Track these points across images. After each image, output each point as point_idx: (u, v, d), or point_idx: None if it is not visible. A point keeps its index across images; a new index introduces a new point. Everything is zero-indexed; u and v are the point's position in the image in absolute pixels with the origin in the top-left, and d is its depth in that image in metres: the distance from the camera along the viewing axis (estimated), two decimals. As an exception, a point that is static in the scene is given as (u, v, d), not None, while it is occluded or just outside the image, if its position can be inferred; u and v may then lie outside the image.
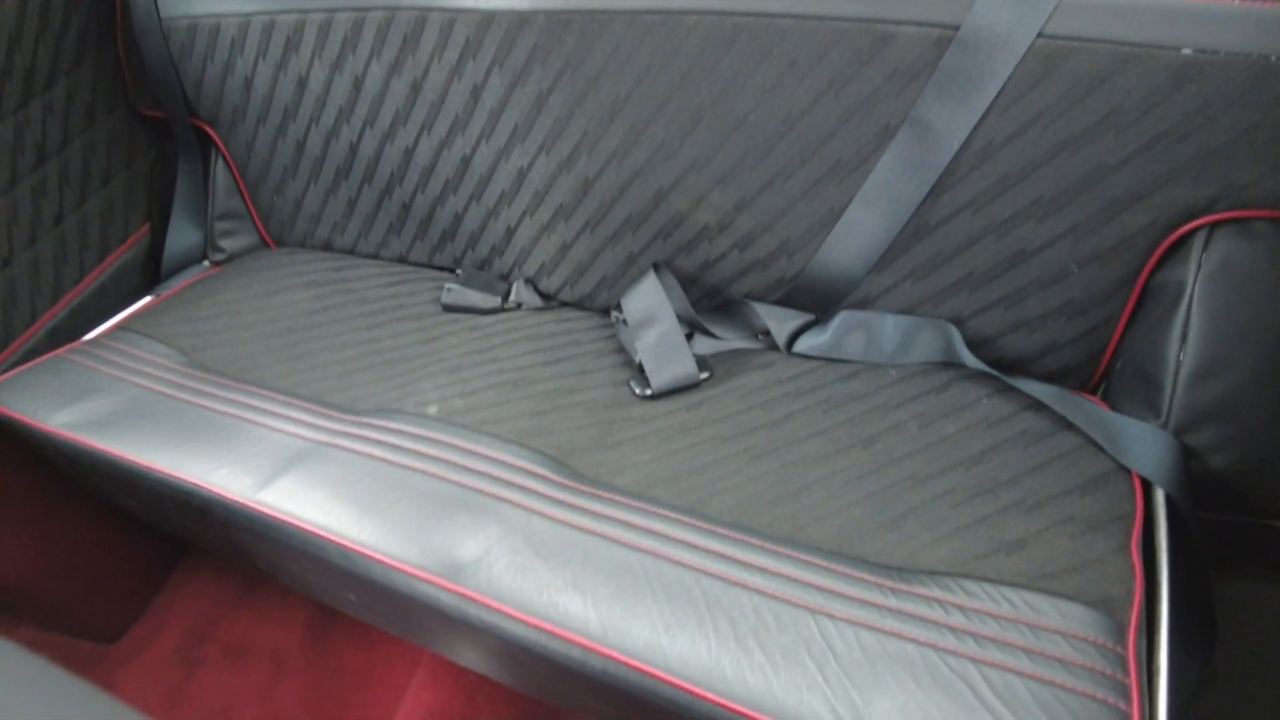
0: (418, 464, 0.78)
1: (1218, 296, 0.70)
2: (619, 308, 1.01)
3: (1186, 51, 0.65)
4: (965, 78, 0.72)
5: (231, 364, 0.99)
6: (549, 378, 0.91)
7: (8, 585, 1.10)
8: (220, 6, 1.04)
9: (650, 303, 0.92)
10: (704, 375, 0.88)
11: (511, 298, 1.06)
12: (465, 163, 1.01)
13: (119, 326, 1.09)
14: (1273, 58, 0.63)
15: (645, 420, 0.85)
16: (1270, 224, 0.69)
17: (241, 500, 0.77)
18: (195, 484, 0.80)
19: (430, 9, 0.92)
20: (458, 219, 1.07)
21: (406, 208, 1.10)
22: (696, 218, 0.90)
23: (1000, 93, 0.72)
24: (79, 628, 1.21)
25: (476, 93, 0.94)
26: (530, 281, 1.06)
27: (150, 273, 1.28)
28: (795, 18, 0.76)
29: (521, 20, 0.87)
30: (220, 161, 1.20)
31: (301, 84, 1.05)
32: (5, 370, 1.10)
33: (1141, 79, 0.67)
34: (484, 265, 1.10)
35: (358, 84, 1.01)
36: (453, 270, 1.14)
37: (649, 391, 0.87)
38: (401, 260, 1.17)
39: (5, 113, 1.06)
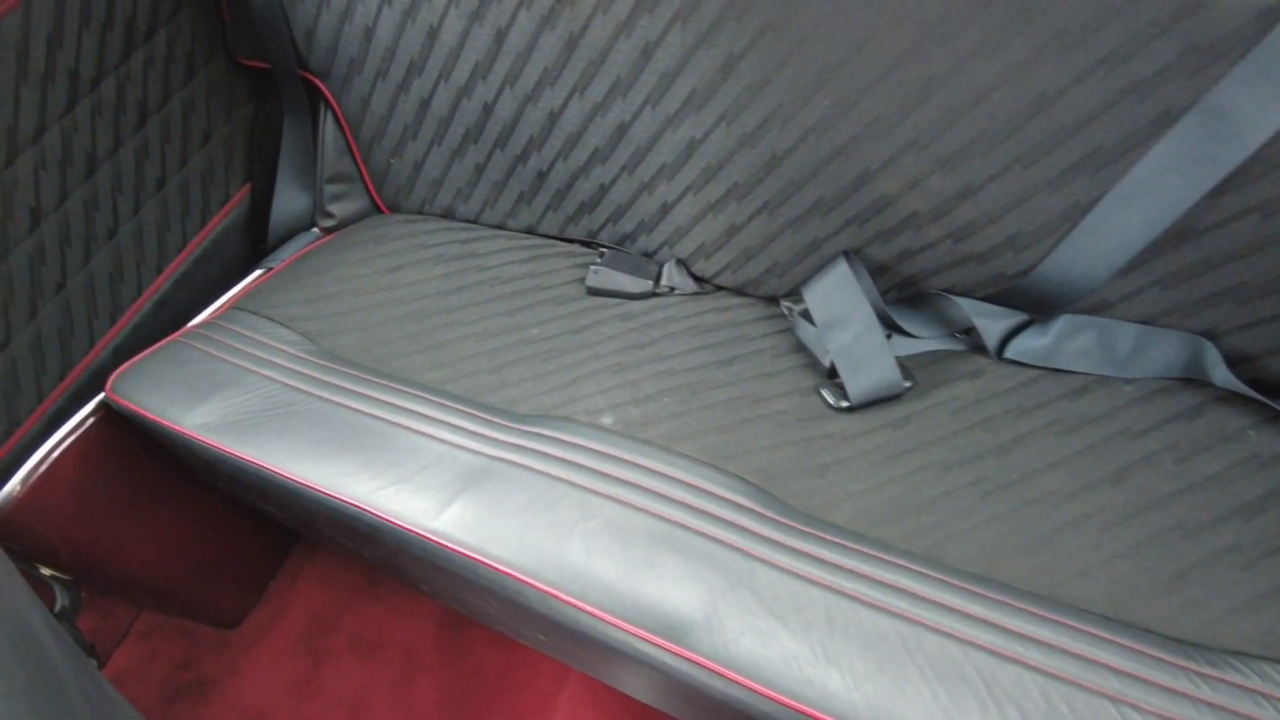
0: (608, 489, 0.70)
1: None
2: (791, 297, 0.91)
3: None
4: None
5: (366, 352, 0.91)
6: (727, 382, 0.82)
7: (126, 574, 1.05)
8: None
9: (844, 298, 0.82)
10: (908, 384, 0.79)
11: (663, 281, 0.96)
12: (621, 130, 0.89)
13: (234, 306, 1.01)
14: None
15: (848, 439, 0.76)
16: None
17: (418, 530, 0.70)
18: (362, 508, 0.73)
19: None
20: (602, 190, 0.96)
21: (543, 176, 0.99)
22: (906, 203, 0.79)
23: None
24: (197, 613, 1.17)
25: (648, 52, 0.82)
26: (682, 263, 0.96)
27: (252, 237, 1.19)
28: None
29: None
30: (330, 118, 1.09)
31: (432, 35, 0.93)
32: (118, 350, 1.04)
33: None
34: (624, 241, 0.99)
35: (500, 37, 0.89)
36: (587, 244, 1.04)
37: (846, 403, 0.78)
38: (530, 232, 1.07)
39: (109, 68, 0.95)
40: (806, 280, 0.86)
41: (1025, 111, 0.69)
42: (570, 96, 0.90)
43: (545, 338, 0.91)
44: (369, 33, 0.96)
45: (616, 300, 0.95)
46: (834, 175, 0.80)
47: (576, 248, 1.04)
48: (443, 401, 0.83)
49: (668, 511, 0.68)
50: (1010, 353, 0.81)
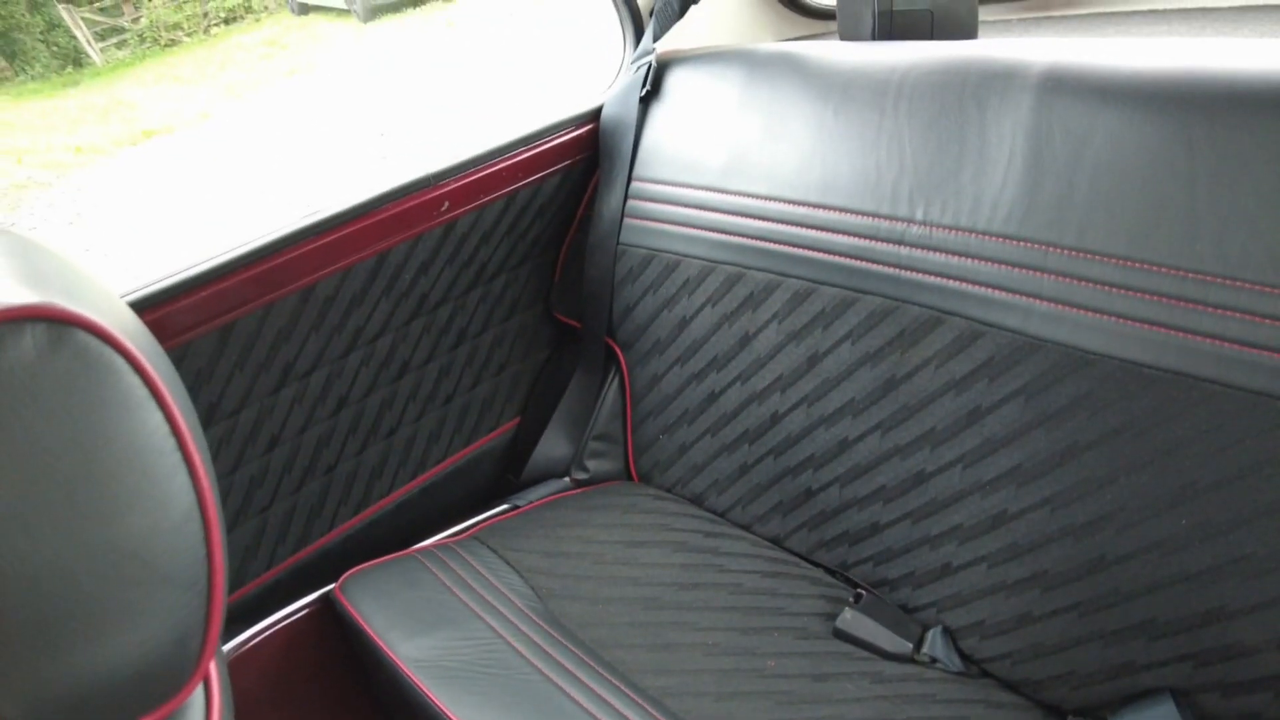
0: None
1: None
2: (1084, 716, 0.77)
3: None
4: None
5: (589, 629, 0.86)
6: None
7: None
8: (686, 247, 1.01)
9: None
10: None
11: (925, 648, 0.85)
12: (920, 479, 0.84)
13: (474, 536, 1.02)
14: None
15: None
16: None
17: None
18: None
19: (953, 314, 0.80)
20: (875, 529, 0.90)
21: (810, 494, 0.95)
22: (1267, 661, 0.65)
23: None
24: None
25: (976, 415, 0.79)
26: (949, 634, 0.85)
27: (504, 466, 1.23)
28: None
29: (1081, 360, 0.71)
30: (617, 383, 1.14)
31: (744, 340, 0.96)
32: (349, 538, 1.06)
33: None
34: (882, 585, 0.91)
35: (814, 360, 0.91)
36: (833, 572, 0.96)
37: None
38: (775, 542, 1.01)
39: (451, 297, 1.07)
40: (1115, 707, 0.73)
41: None
42: (870, 431, 0.88)
43: (782, 675, 0.82)
44: (684, 322, 1.02)
45: (865, 654, 0.85)
46: (1177, 600, 0.69)
47: (823, 574, 0.96)
48: (653, 713, 0.74)
49: None
50: None
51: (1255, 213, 0.63)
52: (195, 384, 0.89)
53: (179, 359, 0.86)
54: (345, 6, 10.04)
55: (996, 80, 0.77)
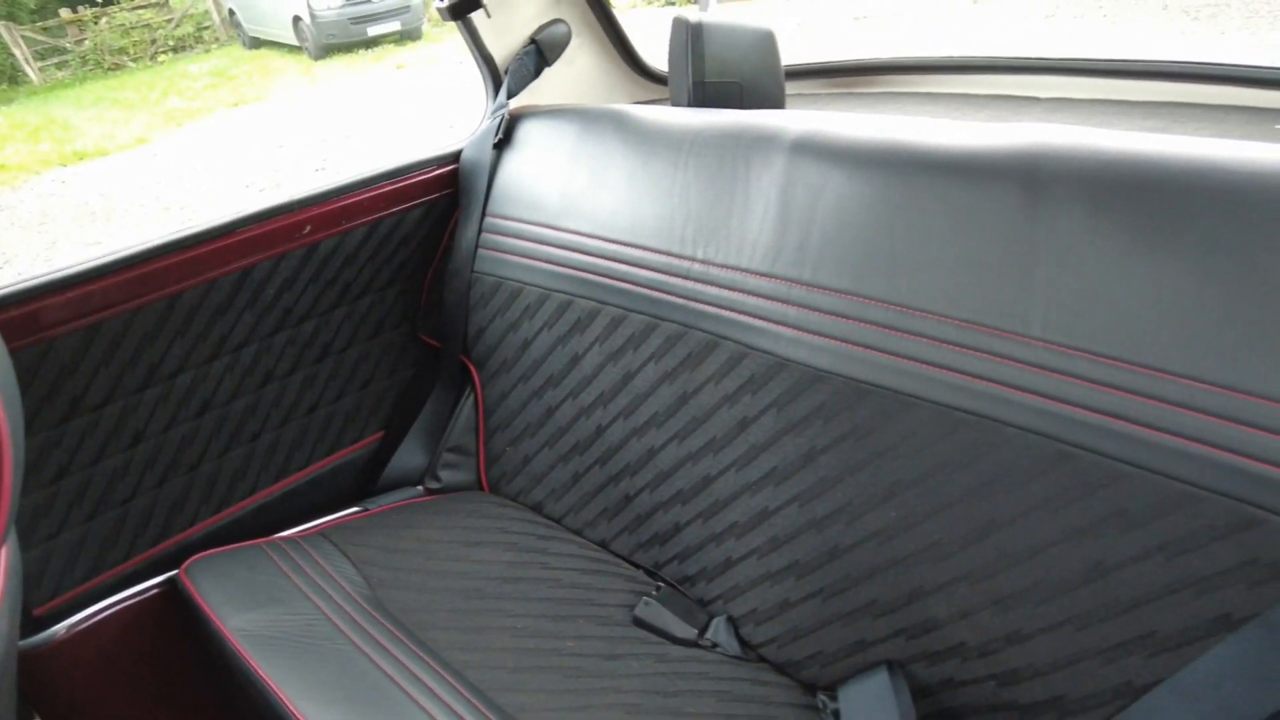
0: None
1: None
2: (829, 692, 0.88)
3: None
4: None
5: (412, 614, 0.95)
6: (738, 761, 0.78)
7: None
8: (527, 276, 1.13)
9: (874, 709, 0.79)
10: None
11: (709, 634, 0.96)
12: (706, 481, 0.96)
13: (320, 533, 1.10)
14: None
15: None
16: None
17: None
18: None
19: (724, 338, 0.93)
20: (676, 529, 1.01)
21: (629, 499, 1.06)
22: (954, 631, 0.78)
23: None
24: None
25: (744, 425, 0.92)
26: (733, 623, 0.96)
27: (367, 477, 1.31)
28: (1138, 467, 0.68)
29: (816, 377, 0.85)
30: (471, 400, 1.25)
31: (574, 360, 1.08)
32: (210, 536, 1.13)
33: None
34: (685, 582, 1.02)
35: (628, 378, 1.03)
36: (649, 572, 1.07)
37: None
38: (602, 545, 1.12)
39: (316, 313, 1.17)
40: (846, 680, 0.84)
41: (1083, 575, 0.70)
42: (671, 440, 1.00)
43: (578, 654, 0.92)
44: (527, 344, 1.14)
45: (657, 640, 0.96)
46: (890, 583, 0.82)
47: (640, 573, 1.07)
48: (456, 686, 0.83)
49: None
50: (1048, 835, 0.73)
51: (936, 257, 0.78)
52: (60, 377, 0.96)
53: (43, 353, 0.94)
54: (297, 43, 10.16)
55: (760, 143, 0.92)
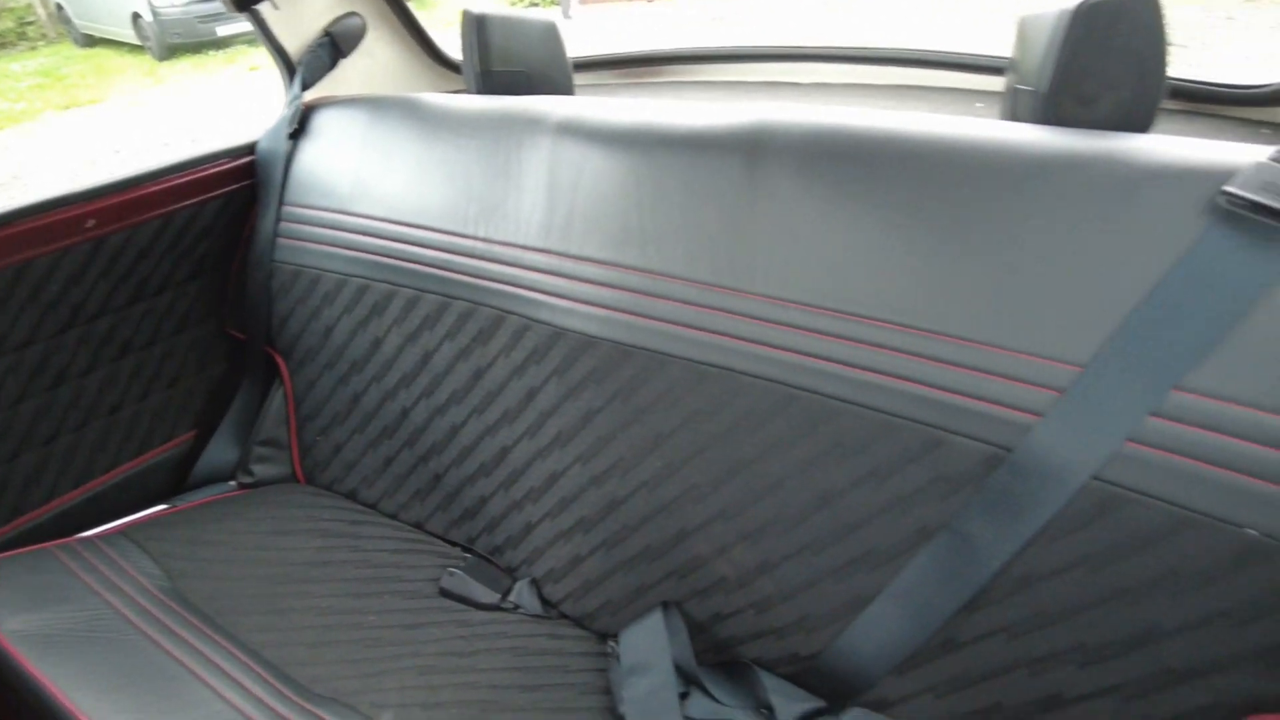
0: None
1: None
2: (618, 639, 0.94)
3: (1251, 532, 0.62)
4: (1013, 500, 0.69)
5: (211, 602, 0.94)
6: (523, 707, 0.83)
7: None
8: (325, 263, 1.14)
9: (649, 647, 0.85)
10: (690, 748, 0.79)
11: (511, 596, 1.00)
12: (504, 452, 1.01)
13: (121, 531, 1.07)
14: None
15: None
16: None
17: None
18: None
19: (510, 313, 0.97)
20: (482, 501, 1.05)
21: (438, 478, 1.09)
22: (716, 567, 0.86)
23: (1048, 524, 0.68)
24: None
25: (531, 394, 0.96)
26: (535, 584, 1.01)
27: (179, 478, 1.28)
28: (848, 402, 0.76)
29: (587, 343, 0.91)
30: (280, 392, 1.24)
31: (375, 344, 1.10)
32: (4, 546, 1.08)
33: (1203, 547, 0.63)
34: (495, 552, 1.06)
35: (426, 358, 1.06)
36: (465, 547, 1.10)
37: (625, 754, 0.78)
38: (417, 526, 1.14)
39: (111, 309, 1.14)
40: (629, 624, 0.91)
41: (813, 503, 0.79)
42: (470, 416, 1.03)
43: (380, 626, 0.94)
44: (329, 331, 1.15)
45: (462, 607, 0.99)
46: (660, 527, 0.88)
47: (456, 550, 1.10)
48: (249, 663, 0.84)
49: None
50: (802, 738, 0.81)
51: (677, 225, 0.85)
52: None
53: None
54: (139, 41, 9.50)
55: (529, 126, 0.97)
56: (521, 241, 0.96)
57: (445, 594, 1.01)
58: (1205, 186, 0.64)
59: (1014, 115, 0.84)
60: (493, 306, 0.99)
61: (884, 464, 0.75)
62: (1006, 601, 0.71)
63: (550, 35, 1.16)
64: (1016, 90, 0.84)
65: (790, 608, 0.82)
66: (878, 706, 0.80)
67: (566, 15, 8.68)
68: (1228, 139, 0.72)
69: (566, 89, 1.19)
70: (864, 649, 0.78)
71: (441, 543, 1.11)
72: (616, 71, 1.41)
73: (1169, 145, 0.69)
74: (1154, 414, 0.65)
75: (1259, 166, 0.63)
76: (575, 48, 1.22)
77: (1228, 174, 0.64)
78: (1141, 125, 0.76)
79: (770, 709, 0.85)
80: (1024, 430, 0.69)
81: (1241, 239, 0.62)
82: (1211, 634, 0.64)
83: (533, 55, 1.15)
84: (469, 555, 1.07)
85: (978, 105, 1.05)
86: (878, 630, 0.78)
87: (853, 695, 0.80)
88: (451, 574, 1.01)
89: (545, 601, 1.01)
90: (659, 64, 1.37)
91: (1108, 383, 0.66)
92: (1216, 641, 0.63)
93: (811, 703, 0.82)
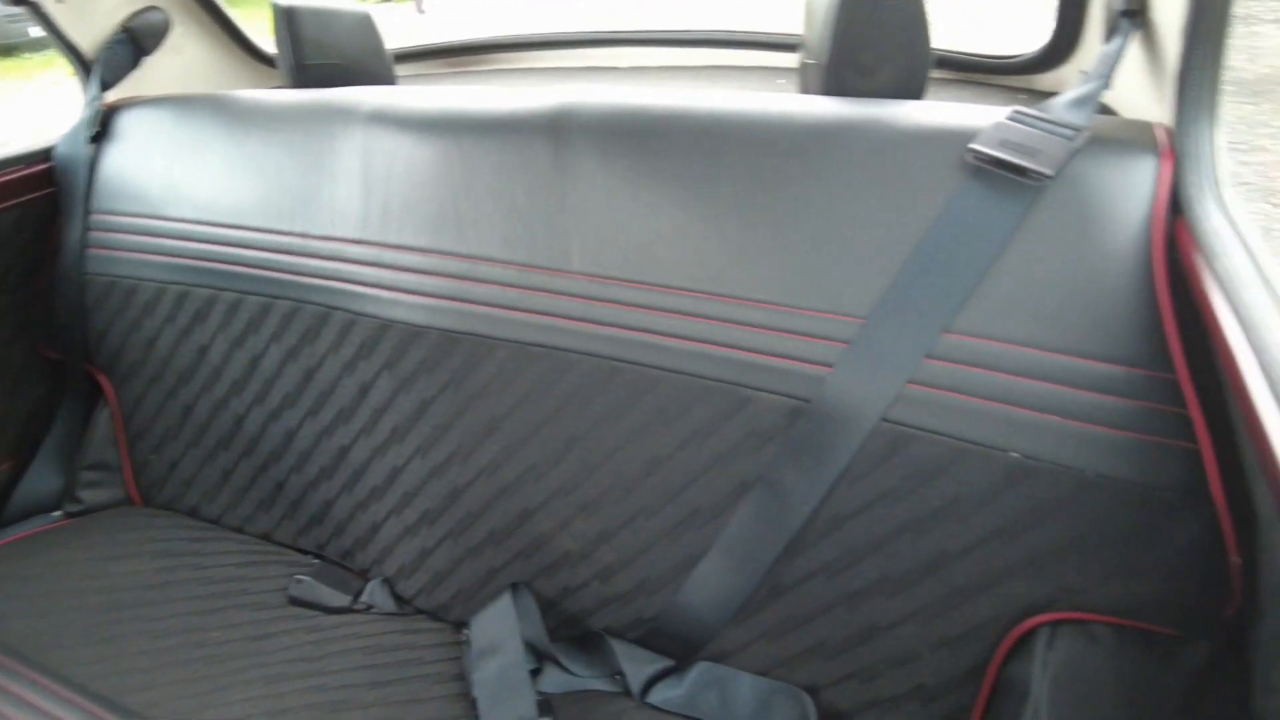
0: None
1: (1065, 700, 0.68)
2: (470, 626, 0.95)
3: (1015, 455, 0.69)
4: (815, 448, 0.75)
5: (32, 640, 0.89)
6: (371, 703, 0.83)
7: None
8: (141, 272, 1.08)
9: (498, 628, 0.86)
10: (543, 721, 0.81)
11: (363, 598, 0.99)
12: (343, 452, 0.99)
13: (-73, 576, 0.99)
14: (1088, 473, 0.66)
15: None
16: (1110, 629, 0.68)
17: None
18: None
19: (335, 308, 0.96)
20: (327, 505, 1.03)
21: (280, 486, 1.06)
22: (559, 542, 0.88)
23: (848, 467, 0.74)
24: None
25: (364, 390, 0.95)
26: (388, 582, 1.00)
27: (-4, 514, 1.19)
28: (667, 370, 0.80)
29: (415, 333, 0.90)
30: (106, 412, 1.17)
31: (201, 353, 1.06)
32: None
33: (978, 474, 0.70)
34: (346, 556, 1.04)
35: (255, 362, 1.02)
36: (315, 555, 1.08)
37: (476, 737, 0.79)
38: (265, 538, 1.11)
39: None
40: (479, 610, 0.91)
41: (643, 470, 0.82)
42: (305, 419, 1.01)
43: (224, 641, 0.91)
44: (151, 343, 1.09)
45: (311, 613, 0.97)
46: (503, 510, 0.90)
47: (306, 558, 1.08)
48: (74, 698, 0.80)
49: None
50: (652, 698, 0.84)
51: (491, 209, 0.86)
52: None
53: None
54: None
55: (340, 117, 0.96)
56: (340, 234, 0.94)
57: (295, 602, 0.98)
58: (957, 145, 0.71)
59: (806, 88, 0.90)
60: (317, 303, 0.97)
61: (703, 425, 0.79)
62: (821, 543, 0.76)
63: (365, 26, 1.14)
64: (806, 65, 0.89)
65: (630, 573, 0.85)
66: (719, 658, 0.84)
67: (420, 10, 8.47)
68: (991, 104, 0.80)
69: (388, 80, 1.17)
70: (701, 605, 0.82)
71: (291, 552, 1.08)
72: (439, 61, 1.40)
73: (929, 109, 0.76)
74: (929, 356, 0.71)
75: (997, 125, 0.70)
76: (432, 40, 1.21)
77: (975, 133, 0.71)
78: (915, 93, 0.83)
79: (622, 674, 0.88)
80: (819, 382, 0.74)
81: (988, 191, 0.69)
82: (990, 551, 0.71)
83: (349, 47, 1.13)
84: (319, 561, 1.05)
85: (780, 81, 1.11)
86: (711, 585, 0.82)
87: (696, 650, 0.84)
88: (299, 581, 0.99)
89: (399, 599, 1.00)
90: (482, 52, 1.37)
91: (886, 331, 0.72)
92: (995, 557, 0.71)
93: (660, 663, 0.86)
